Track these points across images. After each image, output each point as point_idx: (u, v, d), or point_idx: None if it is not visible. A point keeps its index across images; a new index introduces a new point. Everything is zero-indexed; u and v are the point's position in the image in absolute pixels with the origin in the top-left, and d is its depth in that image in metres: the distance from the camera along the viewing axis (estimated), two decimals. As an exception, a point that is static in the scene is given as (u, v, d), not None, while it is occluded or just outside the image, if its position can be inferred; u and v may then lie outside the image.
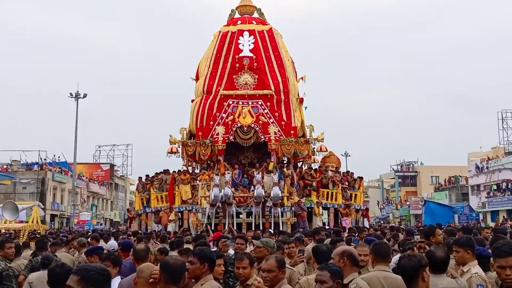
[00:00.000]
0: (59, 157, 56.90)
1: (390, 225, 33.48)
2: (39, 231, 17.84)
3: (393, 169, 71.78)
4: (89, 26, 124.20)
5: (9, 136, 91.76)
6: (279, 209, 21.97)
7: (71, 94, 41.95)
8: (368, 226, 23.65)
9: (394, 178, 71.73)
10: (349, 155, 62.24)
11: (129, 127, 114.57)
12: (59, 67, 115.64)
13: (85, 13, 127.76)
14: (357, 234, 11.30)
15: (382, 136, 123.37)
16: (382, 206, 69.77)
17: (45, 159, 52.89)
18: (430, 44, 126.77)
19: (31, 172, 50.70)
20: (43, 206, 37.37)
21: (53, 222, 49.63)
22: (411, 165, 70.60)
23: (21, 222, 26.94)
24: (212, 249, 6.72)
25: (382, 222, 55.04)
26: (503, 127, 52.83)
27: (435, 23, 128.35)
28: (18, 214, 24.59)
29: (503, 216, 41.25)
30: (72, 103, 42.11)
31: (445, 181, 60.27)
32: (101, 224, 56.67)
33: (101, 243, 10.85)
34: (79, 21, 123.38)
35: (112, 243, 9.97)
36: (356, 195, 25.45)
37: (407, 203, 60.56)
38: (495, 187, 47.89)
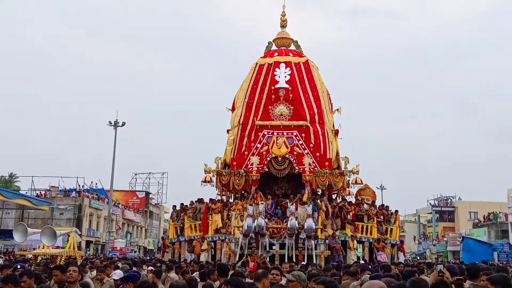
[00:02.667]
0: (96, 184, 57.87)
1: (427, 261, 32.69)
2: (75, 257, 18.06)
3: (430, 204, 70.32)
4: (128, 55, 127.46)
5: (48, 162, 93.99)
6: (313, 241, 21.73)
7: (110, 122, 42.79)
8: (403, 261, 23.14)
9: (431, 213, 70.23)
10: (385, 188, 61.41)
11: (165, 155, 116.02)
12: (99, 95, 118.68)
13: (126, 43, 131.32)
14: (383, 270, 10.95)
15: (419, 169, 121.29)
16: (418, 241, 68.18)
17: (82, 186, 53.91)
18: (470, 76, 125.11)
19: (68, 198, 51.65)
20: (80, 232, 37.89)
21: (88, 248, 50.20)
22: (449, 200, 69.07)
23: (58, 247, 27.37)
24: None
25: (418, 257, 53.77)
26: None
27: (475, 55, 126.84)
28: (56, 240, 24.98)
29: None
30: (110, 131, 42.87)
31: (484, 217, 58.66)
32: (135, 252, 57.00)
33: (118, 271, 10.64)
34: (119, 51, 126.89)
35: (118, 272, 9.86)
36: (391, 229, 25.03)
37: (445, 239, 59.04)
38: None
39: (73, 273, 7.28)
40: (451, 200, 68.93)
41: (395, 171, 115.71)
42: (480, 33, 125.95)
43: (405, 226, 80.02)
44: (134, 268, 11.64)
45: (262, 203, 22.73)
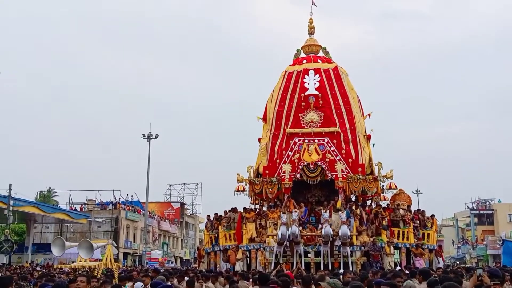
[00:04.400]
0: (132, 196, 58.75)
1: (467, 265, 32.05)
2: (112, 269, 18.32)
3: (468, 207, 68.92)
4: (160, 67, 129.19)
5: (86, 176, 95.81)
6: (348, 248, 21.52)
7: (143, 135, 43.44)
8: (442, 266, 22.71)
9: (469, 216, 68.82)
10: (421, 193, 60.32)
11: (198, 166, 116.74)
12: (132, 109, 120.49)
13: (156, 55, 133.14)
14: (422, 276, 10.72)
15: (456, 172, 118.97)
16: (457, 246, 66.84)
17: (119, 199, 54.76)
18: (504, 74, 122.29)
19: (105, 211, 52.55)
20: (116, 245, 38.46)
21: (126, 260, 50.86)
22: (488, 203, 67.56)
23: (96, 260, 27.82)
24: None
25: (457, 262, 52.69)
26: None
27: (507, 54, 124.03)
28: (93, 253, 25.39)
29: None
30: (144, 143, 43.53)
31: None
32: (172, 262, 57.48)
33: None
34: (151, 63, 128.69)
35: (137, 285, 9.89)
36: (428, 234, 24.57)
37: (484, 242, 57.79)
38: None
39: (80, 283, 7.40)
40: (490, 202, 67.47)
41: (431, 175, 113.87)
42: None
43: (443, 230, 78.50)
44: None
45: (295, 211, 22.66)
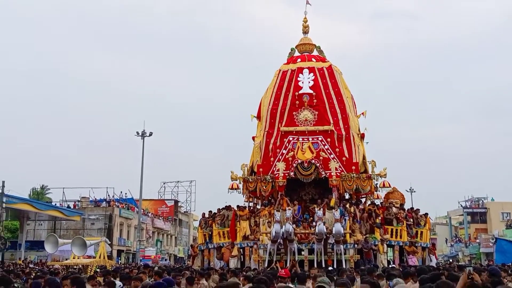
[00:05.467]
0: (125, 193, 58.67)
1: (459, 263, 32.17)
2: (105, 266, 18.35)
3: (461, 206, 69.24)
4: (151, 67, 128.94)
5: (79, 174, 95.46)
6: (341, 246, 21.63)
7: (137, 132, 43.35)
8: (435, 265, 22.85)
9: (462, 214, 69.11)
10: (414, 191, 60.44)
11: (192, 164, 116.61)
12: (125, 107, 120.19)
13: (150, 53, 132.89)
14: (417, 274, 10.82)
15: (449, 171, 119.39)
16: (450, 244, 67.15)
17: (112, 196, 54.65)
18: (493, 76, 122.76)
19: (99, 208, 52.44)
20: (109, 242, 38.43)
21: (119, 258, 50.82)
22: (481, 201, 67.90)
23: (89, 257, 27.84)
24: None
25: (451, 260, 52.94)
26: None
27: (494, 57, 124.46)
28: (86, 250, 25.44)
29: None
30: (138, 141, 43.43)
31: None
32: (165, 260, 57.45)
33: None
34: (146, 61, 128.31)
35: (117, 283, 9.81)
36: (422, 232, 24.70)
37: (477, 240, 58.07)
38: None
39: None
40: (483, 201, 67.81)
41: (425, 174, 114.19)
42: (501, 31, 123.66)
43: (437, 228, 78.80)
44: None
45: (289, 209, 22.72)
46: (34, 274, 13.14)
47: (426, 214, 25.78)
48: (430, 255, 24.76)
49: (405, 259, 23.23)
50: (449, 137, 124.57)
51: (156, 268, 14.46)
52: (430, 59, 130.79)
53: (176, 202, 71.09)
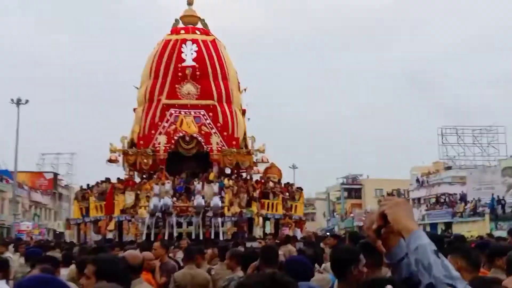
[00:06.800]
0: (-1, 164, 55.26)
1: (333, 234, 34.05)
2: None
3: (339, 182, 72.94)
4: (29, 30, 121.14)
5: None
6: (219, 219, 22.08)
7: (12, 100, 40.79)
8: (299, 238, 23.96)
9: (340, 190, 72.85)
10: (297, 167, 62.78)
11: (74, 135, 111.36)
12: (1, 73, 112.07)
13: (26, 17, 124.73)
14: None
15: (331, 149, 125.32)
16: (327, 218, 70.77)
17: (-16, 167, 51.29)
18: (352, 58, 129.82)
19: (-32, 180, 49.04)
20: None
21: (-9, 232, 48.01)
22: (357, 178, 71.93)
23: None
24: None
25: (328, 233, 55.82)
26: (442, 143, 54.43)
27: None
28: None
29: (441, 228, 42.67)
30: (14, 109, 40.86)
31: (388, 194, 61.68)
32: (40, 234, 55.10)
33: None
34: (16, 24, 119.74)
35: None
36: (296, 206, 25.82)
37: (352, 215, 61.67)
38: (434, 200, 49.55)
39: None
40: (359, 178, 71.85)
41: (308, 151, 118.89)
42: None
43: (317, 203, 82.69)
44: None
45: (168, 182, 22.72)
46: None
47: (300, 189, 26.95)
48: (296, 228, 25.79)
49: (279, 231, 24.17)
50: (333, 116, 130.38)
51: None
52: (320, 39, 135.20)
53: (56, 175, 68.19)
